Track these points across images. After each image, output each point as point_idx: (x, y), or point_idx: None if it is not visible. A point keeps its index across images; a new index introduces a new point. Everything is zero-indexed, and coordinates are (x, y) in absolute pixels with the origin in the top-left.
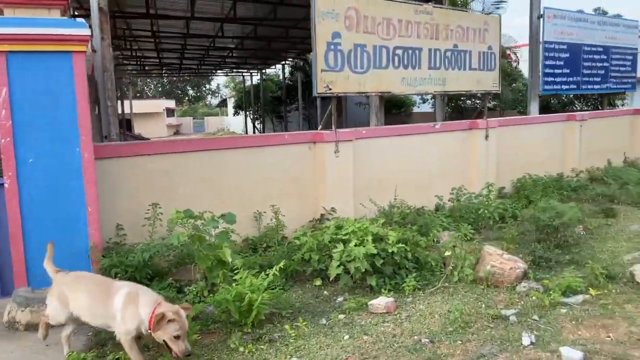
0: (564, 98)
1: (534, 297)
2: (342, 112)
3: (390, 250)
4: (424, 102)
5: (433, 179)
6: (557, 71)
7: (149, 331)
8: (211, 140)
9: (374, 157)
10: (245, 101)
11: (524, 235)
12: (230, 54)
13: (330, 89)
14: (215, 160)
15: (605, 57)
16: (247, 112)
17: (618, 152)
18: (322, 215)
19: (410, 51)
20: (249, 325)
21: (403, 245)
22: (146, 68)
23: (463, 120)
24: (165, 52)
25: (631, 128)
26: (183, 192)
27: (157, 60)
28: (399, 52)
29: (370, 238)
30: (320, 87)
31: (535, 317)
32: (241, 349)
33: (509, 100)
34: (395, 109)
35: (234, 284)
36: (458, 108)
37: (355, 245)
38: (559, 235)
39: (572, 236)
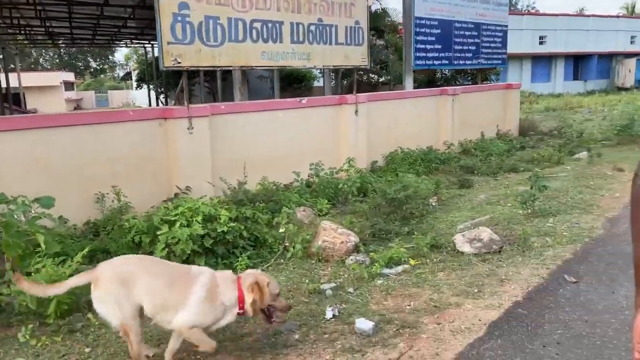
0: (446, 73)
1: (356, 270)
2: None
3: (220, 230)
4: (322, 76)
5: (304, 156)
6: (429, 47)
7: (240, 312)
8: (43, 117)
9: (237, 134)
10: (148, 74)
11: (376, 209)
12: (125, 24)
13: (180, 63)
14: (50, 138)
15: (476, 33)
16: (150, 86)
17: (492, 125)
18: (176, 194)
19: (270, 24)
20: (51, 316)
21: (236, 224)
22: (34, 38)
23: (332, 96)
24: (51, 21)
25: (504, 102)
26: (8, 173)
27: (44, 30)
28: (257, 25)
29: (200, 218)
30: (167, 61)
31: (351, 289)
32: (33, 342)
33: (398, 75)
34: (296, 83)
35: (33, 274)
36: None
37: (181, 226)
38: (405, 208)
39: (418, 208)
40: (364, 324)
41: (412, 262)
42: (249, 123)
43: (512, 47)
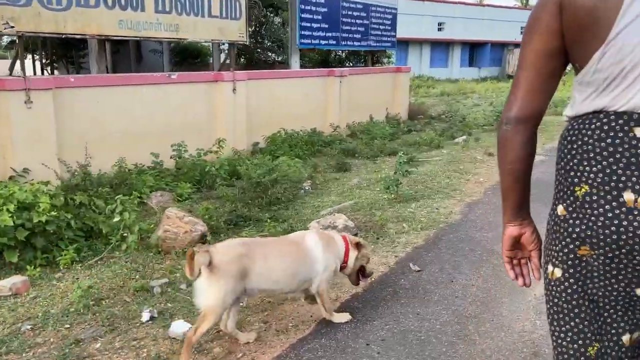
0: (340, 54)
1: None
2: (140, 60)
3: (38, 220)
4: (222, 53)
5: (172, 136)
6: (315, 25)
7: (344, 265)
8: None
9: (91, 110)
10: (33, 44)
11: (243, 194)
12: None
13: (13, 27)
14: None
15: (365, 14)
16: (35, 56)
17: (381, 108)
18: (11, 177)
19: None
20: None
21: (62, 212)
22: None
23: (207, 72)
24: None
25: (393, 85)
26: None
27: None
28: None
29: (12, 207)
30: None
31: (183, 286)
32: None
33: None
34: (191, 59)
35: None
36: (252, 60)
37: None
38: (270, 193)
39: (285, 193)
40: (179, 327)
41: None
42: (106, 99)
43: (413, 32)
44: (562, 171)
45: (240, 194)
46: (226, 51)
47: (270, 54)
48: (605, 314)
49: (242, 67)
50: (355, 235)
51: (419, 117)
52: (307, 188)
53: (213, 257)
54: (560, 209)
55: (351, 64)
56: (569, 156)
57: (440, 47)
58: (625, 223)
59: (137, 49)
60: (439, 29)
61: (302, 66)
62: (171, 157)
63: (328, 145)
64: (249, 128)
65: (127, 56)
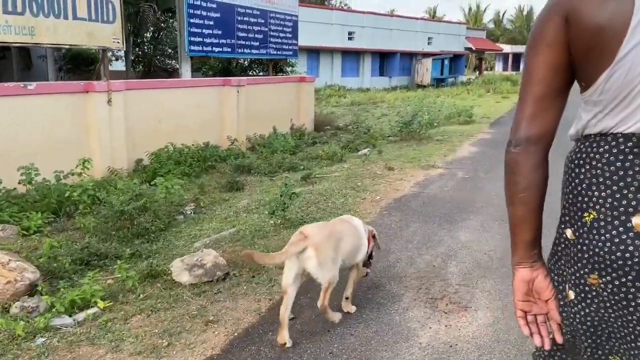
0: (242, 62)
1: (6, 326)
2: (30, 67)
3: None
4: (116, 60)
5: (35, 154)
6: (206, 31)
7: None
8: None
9: None
10: None
11: (106, 224)
12: None
13: None
14: None
15: (263, 21)
16: None
17: (285, 119)
18: None
19: None
20: None
21: None
22: None
23: (75, 82)
24: None
25: (297, 95)
26: None
27: None
28: None
29: None
30: None
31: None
32: None
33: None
34: (85, 66)
35: None
36: (150, 68)
37: None
38: (137, 223)
39: (155, 222)
40: None
41: (101, 304)
42: None
43: (323, 41)
44: (570, 195)
45: (103, 224)
46: (123, 58)
47: (170, 61)
48: (628, 336)
49: (141, 76)
50: (226, 275)
51: (326, 127)
52: (188, 212)
53: (312, 238)
54: (569, 233)
55: (255, 73)
56: (577, 180)
57: (351, 57)
58: (631, 248)
59: (27, 55)
60: (349, 39)
61: (203, 75)
62: (20, 182)
63: (224, 160)
64: (130, 144)
65: (11, 61)
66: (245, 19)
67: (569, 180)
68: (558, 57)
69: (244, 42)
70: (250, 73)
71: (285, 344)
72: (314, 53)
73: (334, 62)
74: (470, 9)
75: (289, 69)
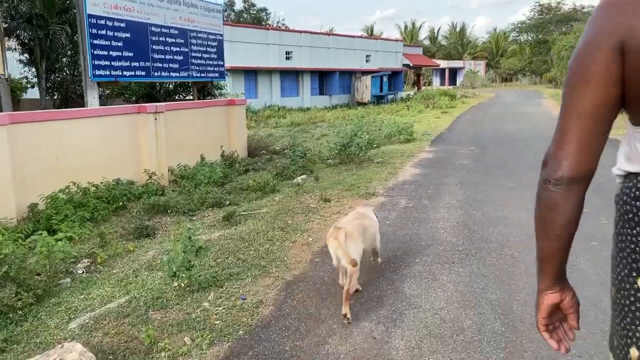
0: (167, 85)
1: None
2: None
3: None
4: (32, 87)
5: None
6: (114, 53)
7: None
8: None
9: None
10: None
11: None
12: None
13: None
14: None
15: (182, 41)
16: None
17: (215, 146)
18: None
19: None
20: None
21: None
22: None
23: None
24: None
25: (227, 119)
26: None
27: None
28: None
29: None
30: None
31: None
32: None
33: (116, 87)
34: None
35: None
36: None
37: None
38: None
39: (19, 296)
40: None
41: None
42: None
43: (261, 62)
44: (636, 239)
45: None
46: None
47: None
48: None
49: (58, 104)
50: None
51: (262, 152)
52: (80, 272)
53: (345, 228)
54: None
55: (182, 97)
56: None
57: (290, 76)
58: None
59: None
60: (287, 58)
61: (125, 101)
62: None
63: (138, 198)
64: (20, 186)
65: None
66: (161, 39)
67: (634, 222)
68: (609, 92)
69: (161, 65)
70: (176, 98)
71: (344, 315)
72: (251, 74)
73: (273, 83)
74: (405, 26)
75: (217, 91)
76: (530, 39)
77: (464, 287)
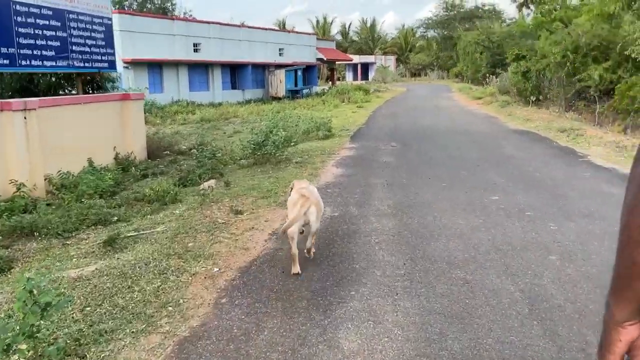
0: (50, 78)
1: None
2: None
3: None
4: None
5: None
6: None
7: None
8: None
9: None
10: None
11: None
12: None
13: None
14: None
15: (59, 24)
16: None
17: (106, 148)
18: None
19: None
20: None
21: None
22: None
23: None
24: None
25: (121, 117)
26: None
27: None
28: None
29: None
30: None
31: None
32: None
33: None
34: None
35: None
36: None
37: None
38: None
39: None
40: None
41: None
42: None
43: (167, 54)
44: None
45: None
46: None
47: None
48: None
49: None
50: None
51: (165, 153)
52: None
53: (311, 198)
54: None
55: (67, 92)
56: None
57: (199, 70)
58: None
59: None
60: (195, 50)
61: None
62: None
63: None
64: None
65: None
66: (30, 20)
67: None
68: None
69: (30, 52)
70: (61, 92)
71: (298, 273)
72: (156, 67)
73: (180, 76)
74: (317, 21)
75: (110, 85)
76: (436, 35)
77: (415, 332)
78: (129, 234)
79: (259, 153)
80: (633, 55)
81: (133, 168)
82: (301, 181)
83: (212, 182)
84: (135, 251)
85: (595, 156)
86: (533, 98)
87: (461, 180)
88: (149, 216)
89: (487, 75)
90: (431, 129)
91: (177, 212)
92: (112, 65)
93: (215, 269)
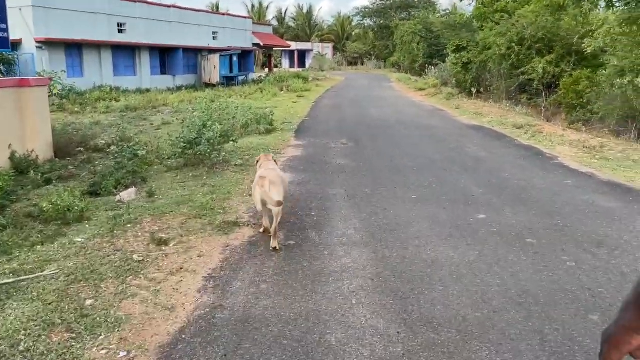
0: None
1: None
2: None
3: None
4: None
5: None
6: None
7: None
8: None
9: None
10: None
11: None
12: None
13: None
14: None
15: None
16: None
17: (1, 145)
18: None
19: None
20: None
21: None
22: None
23: None
24: None
25: (18, 107)
26: None
27: None
28: None
29: None
30: None
31: None
32: None
33: None
34: None
35: None
36: None
37: None
38: None
39: None
40: None
41: None
42: None
43: (87, 34)
44: None
45: None
46: None
47: None
48: None
49: None
50: None
51: (78, 150)
52: None
53: (268, 177)
54: None
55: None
56: None
57: (125, 53)
58: None
59: None
60: (120, 31)
61: None
62: None
63: None
64: None
65: None
66: None
67: None
68: None
69: None
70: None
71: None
72: (74, 48)
73: (103, 59)
74: (253, 6)
75: (4, 67)
76: (372, 24)
77: None
78: (1, 282)
79: (190, 152)
80: (579, 49)
81: (33, 171)
82: (267, 155)
83: (131, 191)
84: (3, 317)
85: (566, 158)
86: (474, 90)
87: (433, 190)
88: (39, 247)
89: (426, 65)
90: (381, 123)
91: (79, 240)
92: (5, 44)
93: (122, 354)
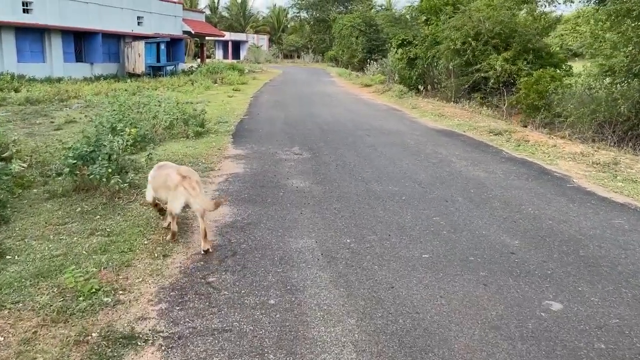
0: None
1: None
2: None
3: None
4: None
5: None
6: None
7: None
8: None
9: None
10: None
11: None
12: None
13: None
14: None
15: None
16: None
17: None
18: None
19: None
20: None
21: None
22: None
23: None
24: None
25: None
26: None
27: None
28: None
29: None
30: None
31: None
32: None
33: None
34: None
35: None
36: None
37: None
38: None
39: None
40: None
41: None
42: None
43: None
44: None
45: None
46: None
47: None
48: None
49: None
50: None
51: None
52: None
53: (193, 176)
54: None
55: None
56: None
57: (32, 36)
58: None
59: None
60: (26, 11)
61: None
62: None
63: None
64: None
65: None
66: None
67: None
68: None
69: None
70: None
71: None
72: None
73: (4, 43)
74: None
75: None
76: (309, 16)
77: None
78: None
79: (78, 175)
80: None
81: None
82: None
83: None
84: None
85: (581, 179)
86: (421, 87)
87: (446, 240)
88: None
89: (366, 60)
90: (337, 127)
91: None
92: None
93: None
